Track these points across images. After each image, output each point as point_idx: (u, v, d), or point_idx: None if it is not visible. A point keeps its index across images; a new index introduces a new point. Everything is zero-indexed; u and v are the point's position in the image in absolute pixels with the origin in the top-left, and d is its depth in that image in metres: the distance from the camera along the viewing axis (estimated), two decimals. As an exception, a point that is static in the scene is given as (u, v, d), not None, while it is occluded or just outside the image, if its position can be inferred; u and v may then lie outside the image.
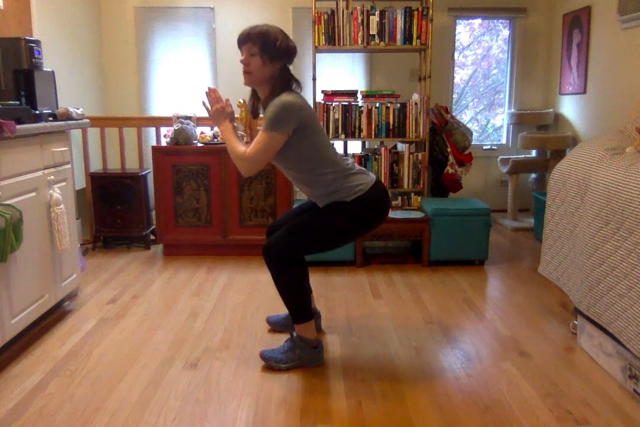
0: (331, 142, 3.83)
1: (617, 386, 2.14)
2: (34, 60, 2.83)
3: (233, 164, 3.80)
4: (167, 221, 3.90)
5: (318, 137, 2.23)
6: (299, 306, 2.28)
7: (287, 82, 2.22)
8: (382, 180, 3.94)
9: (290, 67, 2.28)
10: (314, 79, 3.86)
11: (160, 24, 4.90)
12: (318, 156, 2.22)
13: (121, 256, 3.97)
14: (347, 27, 3.79)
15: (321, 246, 2.31)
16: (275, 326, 2.67)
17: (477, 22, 5.43)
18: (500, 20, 5.34)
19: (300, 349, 2.29)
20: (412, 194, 3.98)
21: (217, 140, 3.94)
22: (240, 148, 2.17)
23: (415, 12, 3.78)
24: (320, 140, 2.24)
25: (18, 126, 2.30)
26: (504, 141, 5.46)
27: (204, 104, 2.25)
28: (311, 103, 3.87)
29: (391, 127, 3.87)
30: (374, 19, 3.78)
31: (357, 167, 2.32)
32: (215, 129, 3.99)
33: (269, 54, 2.15)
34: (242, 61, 2.18)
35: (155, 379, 2.20)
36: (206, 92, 2.24)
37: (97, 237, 4.18)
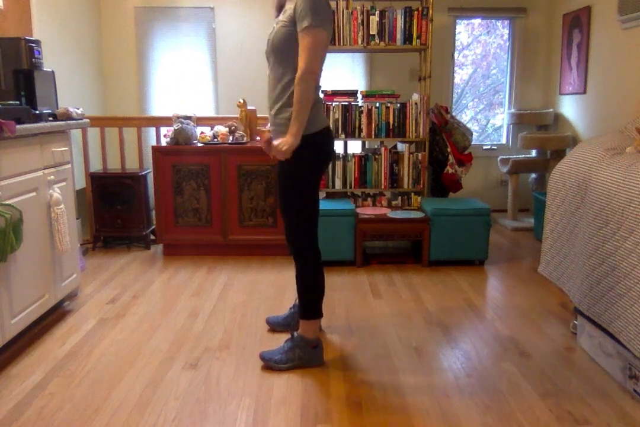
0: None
1: (617, 386, 2.14)
2: (34, 60, 2.83)
3: (233, 164, 3.81)
4: (167, 220, 3.90)
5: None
6: (313, 301, 2.32)
7: None
8: (382, 180, 3.94)
9: None
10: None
11: (160, 24, 4.90)
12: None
13: (121, 256, 3.97)
14: (347, 27, 3.79)
15: (312, 208, 2.27)
16: (275, 327, 2.67)
17: (477, 22, 5.43)
18: (500, 20, 5.34)
19: (300, 349, 2.29)
20: (412, 194, 3.98)
21: (217, 140, 3.94)
22: (296, 90, 2.08)
23: (415, 12, 3.78)
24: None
25: (18, 126, 2.30)
26: (504, 141, 5.46)
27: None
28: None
29: (391, 127, 3.87)
30: (374, 19, 3.78)
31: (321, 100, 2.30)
32: (216, 129, 3.99)
33: None
34: None
35: (155, 379, 2.20)
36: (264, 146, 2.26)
37: (97, 237, 4.18)
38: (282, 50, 2.16)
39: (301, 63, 2.07)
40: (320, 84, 2.27)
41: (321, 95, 3.86)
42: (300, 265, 2.30)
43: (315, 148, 2.21)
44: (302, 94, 2.09)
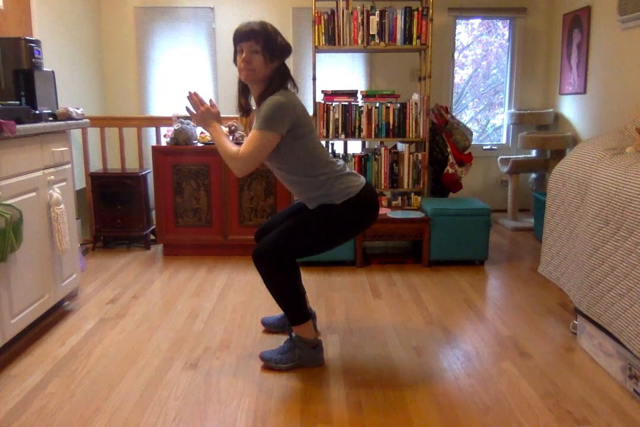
0: (329, 141, 3.84)
1: (617, 386, 2.14)
2: (34, 60, 2.83)
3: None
4: (167, 221, 3.90)
5: (311, 137, 2.21)
6: (294, 308, 2.27)
7: (284, 80, 2.20)
8: (382, 180, 3.94)
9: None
10: (314, 79, 3.86)
11: (160, 24, 4.90)
12: (310, 157, 2.20)
13: (121, 256, 3.97)
14: (347, 27, 3.79)
15: (311, 250, 2.29)
16: (270, 327, 2.67)
17: (477, 22, 5.43)
18: (500, 20, 5.34)
19: (300, 350, 2.29)
20: (412, 194, 3.98)
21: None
22: (232, 148, 2.14)
23: (415, 12, 3.78)
24: (313, 141, 2.22)
25: (18, 126, 2.30)
26: (504, 141, 5.46)
27: (187, 109, 2.21)
28: (311, 103, 3.91)
29: (391, 127, 3.87)
30: (374, 19, 3.78)
31: (347, 169, 2.30)
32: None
33: (270, 52, 2.13)
34: (243, 59, 2.14)
35: (155, 379, 2.20)
36: (187, 97, 2.19)
37: (97, 237, 4.18)
38: (277, 157, 2.18)
39: (242, 149, 2.10)
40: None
41: (321, 95, 3.87)
42: (260, 273, 2.22)
43: (350, 214, 2.21)
44: (222, 156, 2.16)
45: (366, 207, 2.25)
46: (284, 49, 2.18)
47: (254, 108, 2.29)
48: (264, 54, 2.13)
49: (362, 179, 2.30)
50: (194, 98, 2.19)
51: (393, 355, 2.42)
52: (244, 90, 2.29)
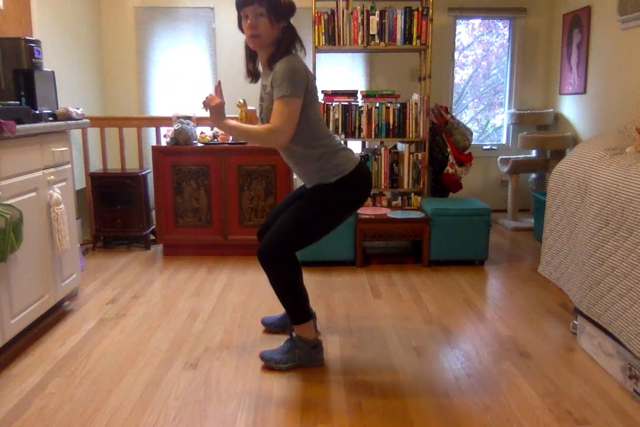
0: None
1: (617, 386, 2.14)
2: (34, 60, 2.83)
3: (233, 164, 3.81)
4: (167, 220, 3.90)
5: (315, 107, 2.22)
6: (298, 306, 2.29)
7: (292, 41, 2.16)
8: (382, 180, 3.94)
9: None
10: (314, 79, 3.85)
11: (160, 24, 4.90)
12: (313, 127, 2.20)
13: (121, 256, 3.97)
14: (347, 27, 3.79)
15: (313, 236, 2.28)
16: (271, 327, 2.67)
17: (477, 22, 5.43)
18: (500, 21, 5.34)
19: (300, 350, 2.29)
20: (412, 194, 3.98)
21: (217, 140, 3.94)
22: (258, 128, 2.11)
23: (415, 12, 3.78)
24: (316, 112, 2.23)
25: (18, 126, 2.30)
26: (504, 141, 5.46)
27: (205, 104, 2.15)
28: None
29: (391, 127, 3.87)
30: (374, 19, 3.78)
31: (343, 143, 2.32)
32: (216, 129, 3.99)
33: (275, 13, 2.09)
34: (249, 25, 2.09)
35: (155, 379, 2.20)
36: (215, 86, 2.18)
37: (97, 237, 4.18)
38: None
39: (275, 121, 2.08)
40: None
41: (321, 95, 3.87)
42: (267, 271, 2.23)
43: (343, 194, 2.22)
44: (257, 139, 2.14)
45: (359, 185, 2.26)
46: (289, 7, 2.14)
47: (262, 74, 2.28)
48: (269, 16, 2.08)
49: (357, 156, 2.30)
50: (219, 88, 2.17)
51: (393, 355, 2.42)
52: (251, 55, 2.27)
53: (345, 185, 2.21)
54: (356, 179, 2.24)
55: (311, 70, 3.82)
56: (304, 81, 2.10)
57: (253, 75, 2.31)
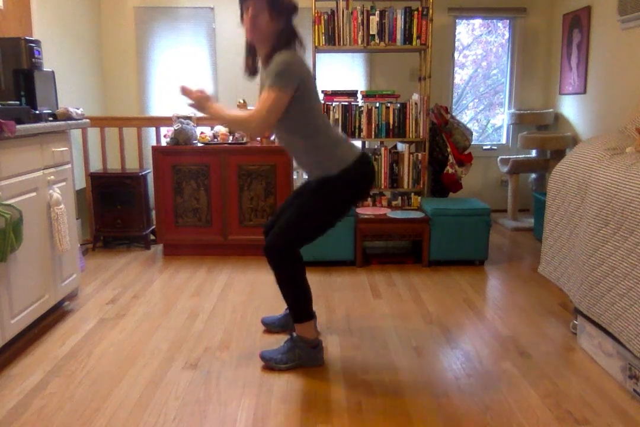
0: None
1: (617, 386, 2.14)
2: (34, 60, 2.83)
3: (233, 164, 3.81)
4: (167, 220, 3.90)
5: (315, 100, 2.23)
6: (302, 304, 2.30)
7: (290, 38, 2.18)
8: (382, 180, 3.94)
9: None
10: (314, 79, 3.85)
11: (160, 24, 4.90)
12: (314, 119, 2.21)
13: (121, 256, 3.97)
14: (347, 27, 3.79)
15: (319, 229, 2.28)
16: (271, 327, 2.67)
17: (477, 22, 5.43)
18: (500, 20, 5.34)
19: (300, 349, 2.29)
20: (412, 194, 3.98)
21: (217, 140, 3.94)
22: (241, 113, 2.14)
23: (415, 12, 3.78)
24: (317, 105, 2.24)
25: (18, 126, 2.30)
26: (504, 141, 5.46)
27: (190, 105, 2.16)
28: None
29: (391, 127, 3.87)
30: (374, 19, 3.78)
31: (345, 136, 2.32)
32: (216, 129, 3.99)
33: (276, 9, 2.12)
34: (249, 17, 2.12)
35: (155, 379, 2.20)
36: (180, 91, 2.15)
37: (97, 237, 4.18)
38: (283, 118, 2.17)
39: (257, 107, 2.09)
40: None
41: (321, 95, 3.87)
42: (273, 268, 2.24)
43: (347, 185, 2.22)
44: (239, 125, 2.20)
45: (362, 174, 2.27)
46: (290, 7, 2.17)
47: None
48: (269, 12, 2.11)
49: (359, 148, 2.32)
50: (185, 89, 2.15)
51: (393, 355, 2.42)
52: (250, 50, 2.29)
53: (348, 175, 2.21)
54: (359, 169, 2.24)
55: (311, 70, 3.84)
56: (298, 75, 2.11)
57: (251, 70, 2.33)
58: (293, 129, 2.21)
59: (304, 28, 4.79)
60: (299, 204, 2.27)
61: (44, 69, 2.96)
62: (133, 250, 4.14)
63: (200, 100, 2.15)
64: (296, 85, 2.10)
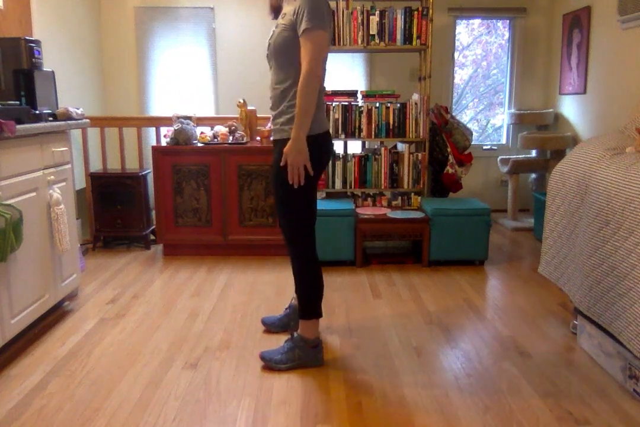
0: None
1: (617, 386, 2.14)
2: (34, 60, 2.83)
3: (233, 164, 3.81)
4: (167, 220, 3.90)
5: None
6: (312, 301, 2.31)
7: None
8: (382, 180, 3.94)
9: None
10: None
11: (160, 24, 4.90)
12: None
13: (121, 256, 3.97)
14: (347, 27, 3.79)
15: (308, 199, 2.24)
16: (271, 328, 2.67)
17: (477, 22, 5.43)
18: (500, 21, 5.34)
19: (300, 350, 2.29)
20: (412, 194, 3.98)
21: (217, 141, 3.94)
22: (300, 88, 2.06)
23: (415, 12, 3.78)
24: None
25: (18, 126, 2.30)
26: (504, 141, 5.46)
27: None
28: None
29: (391, 127, 3.87)
30: (374, 19, 3.78)
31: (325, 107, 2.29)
32: (216, 129, 3.99)
33: None
34: None
35: (155, 379, 2.20)
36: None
37: (97, 237, 4.18)
38: (283, 54, 2.16)
39: (305, 66, 2.07)
40: (325, 85, 2.26)
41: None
42: (299, 266, 2.30)
43: (318, 149, 2.20)
44: (305, 97, 2.07)
45: (329, 147, 2.27)
46: None
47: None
48: None
49: (327, 124, 2.28)
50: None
51: (393, 355, 2.42)
52: None
53: (323, 140, 2.20)
54: (328, 140, 2.24)
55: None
56: (327, 11, 2.09)
57: (275, 9, 2.32)
58: (287, 75, 2.15)
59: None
60: (282, 201, 2.24)
61: (44, 69, 2.96)
62: (133, 250, 4.14)
63: (290, 165, 2.12)
64: (329, 23, 2.09)
